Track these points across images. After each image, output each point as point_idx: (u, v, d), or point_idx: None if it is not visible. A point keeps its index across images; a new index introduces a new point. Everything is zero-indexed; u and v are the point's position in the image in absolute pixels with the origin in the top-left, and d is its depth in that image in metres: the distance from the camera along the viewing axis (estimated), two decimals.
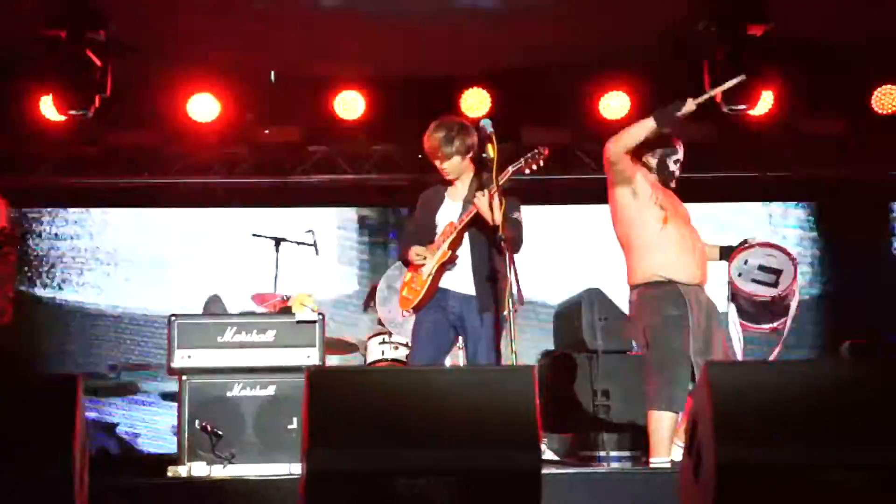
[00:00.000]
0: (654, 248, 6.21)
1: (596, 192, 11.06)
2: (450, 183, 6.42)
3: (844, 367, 5.27)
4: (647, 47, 9.34)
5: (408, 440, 4.05)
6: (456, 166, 6.35)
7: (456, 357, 7.32)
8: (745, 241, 6.47)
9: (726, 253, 6.46)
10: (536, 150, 6.12)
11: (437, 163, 6.34)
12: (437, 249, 6.25)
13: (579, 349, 8.62)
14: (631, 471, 6.99)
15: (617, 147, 6.18)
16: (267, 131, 10.23)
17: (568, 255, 10.32)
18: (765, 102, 9.39)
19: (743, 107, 8.75)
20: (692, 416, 4.49)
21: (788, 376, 4.48)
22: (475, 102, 9.78)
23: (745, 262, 6.39)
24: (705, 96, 6.34)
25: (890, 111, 9.85)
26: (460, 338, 6.43)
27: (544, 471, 4.35)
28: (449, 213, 6.36)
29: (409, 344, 7.95)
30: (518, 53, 9.50)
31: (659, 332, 6.14)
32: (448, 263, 6.21)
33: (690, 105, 6.16)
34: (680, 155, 6.41)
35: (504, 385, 4.29)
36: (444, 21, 8.89)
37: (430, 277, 6.23)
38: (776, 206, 11.25)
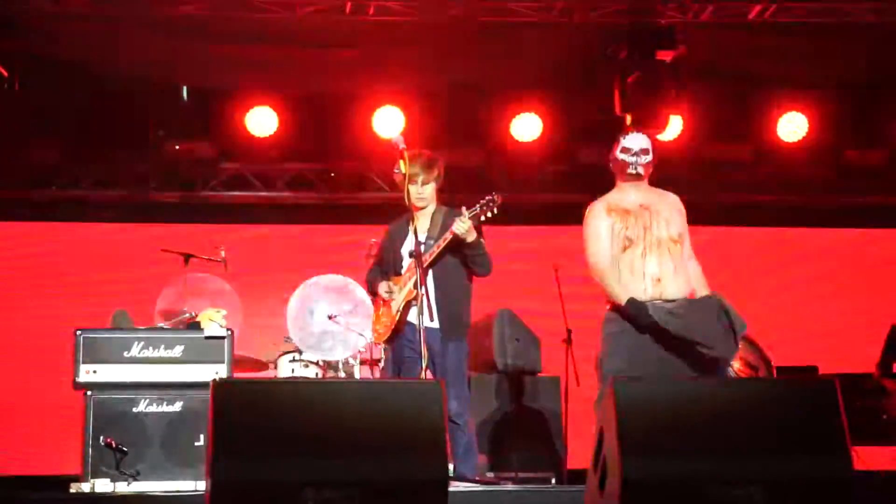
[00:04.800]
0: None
1: (507, 212, 11.25)
2: (411, 217, 6.42)
3: (746, 385, 5.36)
4: (558, 70, 9.45)
5: (315, 451, 4.03)
6: (431, 193, 6.47)
7: None
8: None
9: None
10: (490, 198, 6.17)
11: (414, 188, 6.36)
12: (403, 286, 6.34)
13: (490, 369, 8.63)
14: (539, 489, 7.01)
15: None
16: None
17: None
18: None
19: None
20: (599, 430, 4.53)
21: (693, 392, 4.55)
22: (388, 121, 9.81)
23: None
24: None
25: None
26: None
27: (452, 488, 4.35)
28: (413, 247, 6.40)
29: (323, 363, 7.91)
30: (432, 74, 9.55)
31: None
32: (414, 300, 6.25)
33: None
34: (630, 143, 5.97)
35: (412, 399, 4.31)
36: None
37: (399, 314, 6.37)
38: None
